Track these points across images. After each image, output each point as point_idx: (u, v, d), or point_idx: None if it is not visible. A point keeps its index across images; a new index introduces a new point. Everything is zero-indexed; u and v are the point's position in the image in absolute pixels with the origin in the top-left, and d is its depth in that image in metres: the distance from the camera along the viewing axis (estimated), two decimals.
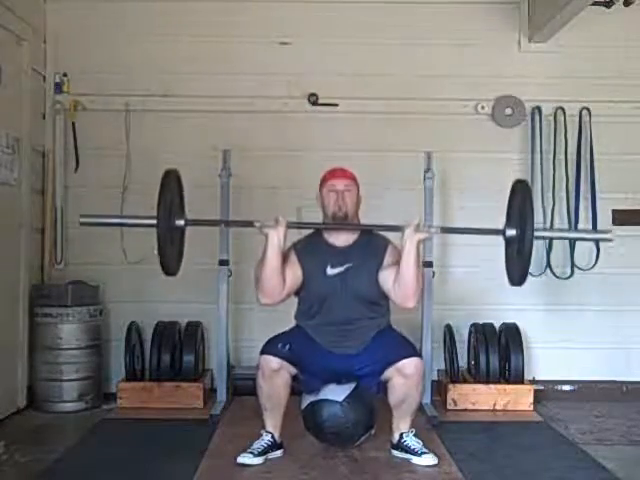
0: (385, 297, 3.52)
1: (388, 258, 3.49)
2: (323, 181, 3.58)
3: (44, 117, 4.89)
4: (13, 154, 4.40)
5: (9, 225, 4.40)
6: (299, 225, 3.77)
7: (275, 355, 3.40)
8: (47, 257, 4.85)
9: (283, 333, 3.57)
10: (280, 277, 3.39)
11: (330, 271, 3.49)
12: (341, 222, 3.52)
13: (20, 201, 4.51)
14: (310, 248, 3.55)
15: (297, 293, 3.57)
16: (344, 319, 3.49)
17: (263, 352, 3.44)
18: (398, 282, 3.37)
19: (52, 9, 4.90)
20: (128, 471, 3.38)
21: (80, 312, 4.54)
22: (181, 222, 3.34)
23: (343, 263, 3.49)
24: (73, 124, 4.88)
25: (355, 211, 3.55)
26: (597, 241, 4.68)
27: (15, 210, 4.47)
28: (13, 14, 4.34)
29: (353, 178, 3.58)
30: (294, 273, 3.48)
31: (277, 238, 3.34)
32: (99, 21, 4.91)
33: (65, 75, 4.88)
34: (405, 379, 3.39)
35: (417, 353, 3.50)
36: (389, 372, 3.42)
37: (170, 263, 3.25)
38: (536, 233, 3.19)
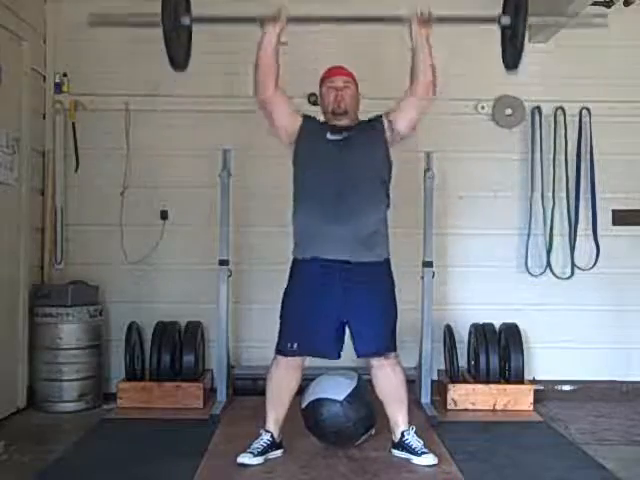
0: (385, 178, 3.52)
1: (388, 114, 3.55)
2: (322, 79, 3.63)
3: (44, 117, 4.89)
4: (13, 154, 4.40)
5: (9, 225, 4.40)
6: (300, 18, 3.70)
7: (287, 355, 3.45)
8: (47, 257, 4.85)
9: (286, 312, 3.52)
10: (273, 70, 3.44)
11: (330, 136, 3.50)
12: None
13: (20, 201, 4.51)
14: (313, 120, 3.59)
15: (295, 160, 3.54)
16: (344, 186, 3.42)
17: (277, 351, 3.49)
18: (418, 77, 3.47)
19: (52, 9, 4.90)
20: (128, 471, 3.37)
21: (80, 312, 4.54)
22: (187, 20, 3.43)
23: (343, 133, 3.51)
24: (73, 124, 4.88)
25: (354, 107, 3.59)
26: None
27: (15, 210, 4.47)
28: (13, 14, 4.34)
29: (351, 75, 3.62)
30: (293, 116, 3.52)
31: (273, 29, 3.41)
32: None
33: (65, 75, 4.89)
34: (382, 372, 3.49)
35: (392, 343, 3.49)
36: (369, 363, 3.52)
37: (178, 57, 3.39)
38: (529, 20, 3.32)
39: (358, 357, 3.52)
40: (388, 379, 3.51)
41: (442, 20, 3.58)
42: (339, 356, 3.48)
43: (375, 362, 3.51)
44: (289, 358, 3.47)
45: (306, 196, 3.50)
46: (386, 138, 3.54)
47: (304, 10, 3.63)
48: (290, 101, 3.57)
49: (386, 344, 3.47)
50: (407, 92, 3.53)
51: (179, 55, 3.43)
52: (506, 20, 3.42)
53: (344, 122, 3.55)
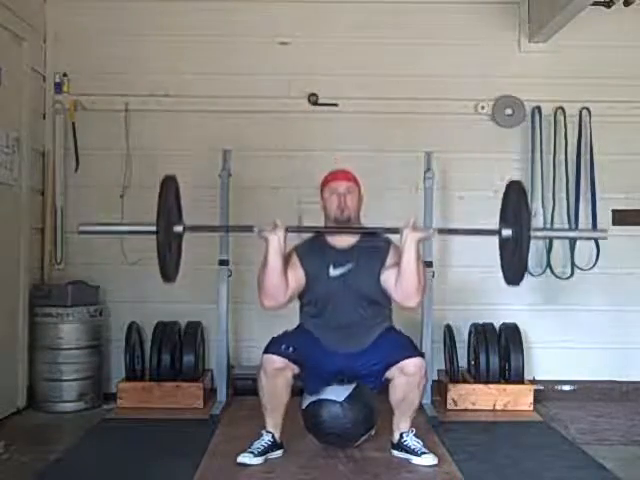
0: (388, 297, 3.52)
1: (390, 258, 3.50)
2: (324, 183, 3.59)
3: (44, 117, 4.89)
4: (13, 154, 4.40)
5: (9, 225, 4.40)
6: (298, 229, 3.76)
7: (278, 355, 3.40)
8: (47, 257, 4.85)
9: (286, 333, 3.58)
10: (282, 280, 3.39)
11: (333, 272, 3.49)
12: (340, 226, 3.53)
13: (20, 201, 4.51)
14: (312, 250, 3.55)
15: (300, 295, 3.57)
16: (347, 320, 3.50)
17: (266, 351, 3.43)
18: (400, 281, 3.38)
19: (52, 9, 4.90)
20: (128, 471, 3.37)
21: (80, 312, 4.54)
22: (179, 229, 3.35)
23: (345, 264, 3.49)
24: (73, 124, 4.88)
25: (357, 213, 3.56)
26: (594, 239, 4.68)
27: (15, 210, 4.47)
28: (13, 14, 4.34)
29: (355, 180, 3.58)
30: (296, 275, 3.48)
31: (277, 241, 3.35)
32: (99, 21, 4.91)
33: (65, 75, 4.88)
34: (407, 378, 3.39)
35: (420, 353, 3.50)
36: (391, 372, 3.43)
37: (169, 270, 3.25)
38: (532, 233, 3.17)
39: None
40: (409, 391, 3.43)
41: (441, 231, 3.59)
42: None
43: (400, 365, 3.42)
44: (275, 361, 3.39)
45: (311, 323, 3.59)
46: (384, 263, 3.51)
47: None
48: (292, 268, 3.48)
49: (400, 354, 3.44)
50: (391, 283, 3.44)
51: (171, 267, 3.29)
52: (507, 232, 3.24)
53: (344, 238, 3.52)
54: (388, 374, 3.44)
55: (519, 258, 3.18)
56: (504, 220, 3.32)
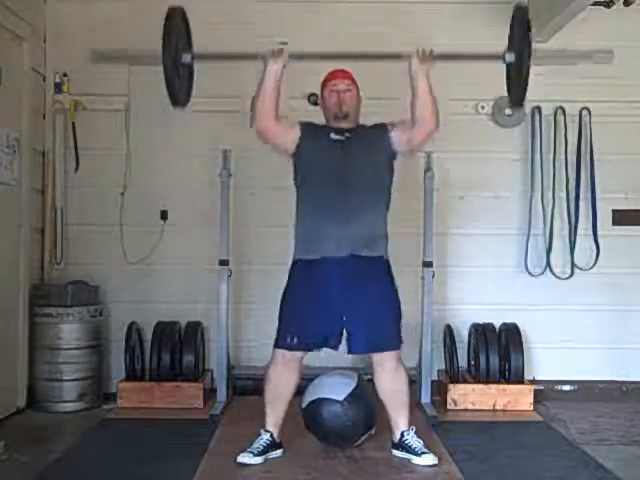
0: (385, 181, 3.53)
1: (392, 126, 3.56)
2: (324, 82, 3.64)
3: (44, 117, 4.89)
4: (13, 154, 4.40)
5: (9, 225, 4.40)
6: (301, 55, 3.72)
7: (286, 348, 3.44)
8: (47, 257, 4.85)
9: (285, 309, 3.51)
10: (275, 101, 3.44)
11: (333, 136, 3.52)
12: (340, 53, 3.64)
13: (20, 201, 4.51)
14: (314, 125, 3.61)
15: (296, 175, 3.55)
16: (344, 184, 3.43)
17: (276, 346, 3.48)
18: (416, 110, 3.45)
19: (52, 9, 4.90)
20: (128, 471, 3.37)
21: (80, 312, 4.54)
22: (188, 58, 3.44)
23: (345, 134, 3.52)
24: (73, 124, 4.88)
25: (356, 111, 3.61)
26: None
27: (15, 210, 4.47)
28: (13, 14, 4.34)
29: (353, 79, 3.64)
30: (291, 130, 3.53)
31: (275, 65, 3.41)
32: (99, 21, 4.90)
33: (65, 75, 4.88)
34: (385, 373, 3.48)
35: (395, 340, 3.49)
36: (372, 361, 3.50)
37: (179, 95, 3.39)
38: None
39: (350, 353, 3.51)
40: (391, 381, 3.51)
41: (444, 57, 3.59)
42: (338, 347, 3.49)
43: (376, 362, 3.50)
44: (287, 355, 3.44)
45: (309, 197, 3.53)
46: (388, 143, 3.54)
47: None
48: (285, 122, 3.57)
49: (384, 342, 3.47)
50: (408, 126, 3.51)
51: (180, 93, 3.41)
52: (510, 57, 3.41)
53: (346, 125, 3.56)
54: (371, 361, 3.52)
55: (520, 82, 3.38)
56: (510, 45, 3.46)
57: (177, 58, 3.35)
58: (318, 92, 4.88)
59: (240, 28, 4.87)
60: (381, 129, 3.58)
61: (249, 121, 3.56)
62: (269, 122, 3.46)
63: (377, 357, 3.49)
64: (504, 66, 3.47)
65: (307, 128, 3.58)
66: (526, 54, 3.31)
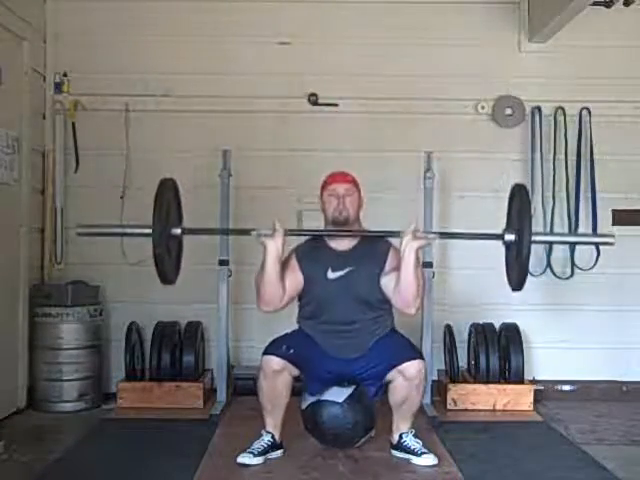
0: (387, 300, 3.51)
1: (390, 262, 3.49)
2: (324, 185, 3.58)
3: (44, 117, 4.89)
4: (13, 154, 4.40)
5: (9, 225, 4.40)
6: (297, 232, 3.75)
7: (278, 356, 3.40)
8: (47, 257, 4.85)
9: (286, 335, 3.57)
10: (279, 285, 3.40)
11: (331, 275, 3.49)
12: (340, 229, 3.52)
13: (20, 201, 4.51)
14: (311, 253, 3.55)
15: (299, 298, 3.57)
16: (346, 322, 3.49)
17: (266, 353, 3.43)
18: (398, 289, 3.38)
19: (52, 9, 4.90)
20: (128, 471, 3.37)
21: (80, 312, 4.54)
22: (178, 231, 3.34)
23: (344, 267, 3.48)
24: (73, 124, 4.88)
25: (356, 215, 3.55)
26: (598, 245, 4.65)
27: (15, 210, 4.47)
28: (13, 14, 4.34)
29: (354, 182, 3.57)
30: (295, 279, 3.48)
31: (275, 247, 3.35)
32: (99, 21, 4.91)
33: (65, 75, 4.88)
34: (407, 381, 3.39)
35: (420, 355, 3.49)
36: (391, 374, 3.42)
37: (167, 272, 3.25)
38: (534, 237, 3.17)
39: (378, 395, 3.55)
40: (408, 392, 3.42)
41: (443, 235, 3.63)
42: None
43: (400, 368, 3.41)
44: (275, 362, 3.39)
45: (309, 324, 3.58)
46: (382, 269, 3.50)
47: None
48: (290, 270, 3.50)
49: (404, 352, 3.45)
50: (390, 287, 3.45)
51: (169, 269, 3.29)
52: (510, 237, 3.25)
53: (344, 241, 3.52)
54: (388, 376, 3.44)
55: (521, 263, 3.18)
56: (508, 224, 3.32)
57: (167, 232, 3.23)
58: (318, 92, 4.94)
59: (240, 29, 4.89)
60: (380, 255, 3.51)
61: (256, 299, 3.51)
62: (277, 305, 3.45)
63: (401, 365, 3.40)
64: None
65: (306, 264, 3.51)
66: (527, 234, 3.12)
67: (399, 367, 3.38)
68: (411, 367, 3.38)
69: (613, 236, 3.50)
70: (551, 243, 4.78)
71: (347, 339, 3.49)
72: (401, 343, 3.54)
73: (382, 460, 3.52)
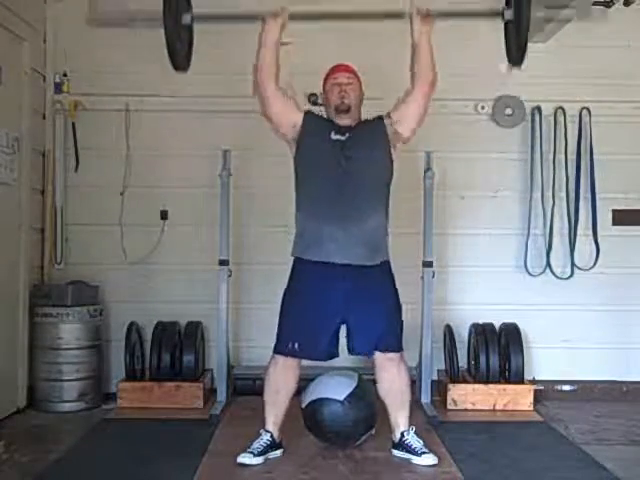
0: (386, 181, 3.52)
1: (389, 116, 3.56)
2: (327, 76, 3.65)
3: (44, 117, 4.89)
4: (13, 154, 4.40)
5: (9, 225, 4.40)
6: (302, 16, 3.69)
7: (286, 355, 3.45)
8: (47, 257, 4.85)
9: (286, 313, 3.51)
10: (274, 60, 3.47)
11: (334, 136, 3.51)
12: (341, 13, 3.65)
13: (20, 201, 4.51)
14: (317, 117, 3.61)
15: (298, 165, 3.53)
16: (344, 185, 3.42)
17: (276, 351, 3.48)
18: (417, 66, 3.52)
19: (52, 9, 4.90)
20: (128, 471, 3.38)
21: (80, 312, 4.54)
22: (188, 18, 3.43)
23: (345, 133, 3.51)
24: (73, 124, 4.88)
25: (357, 104, 3.60)
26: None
27: (15, 210, 4.47)
28: (13, 14, 4.34)
29: (355, 73, 3.65)
30: (290, 107, 3.53)
31: (274, 22, 3.44)
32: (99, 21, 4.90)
33: (65, 75, 4.88)
34: (387, 373, 3.48)
35: (396, 341, 3.49)
36: (374, 361, 3.49)
37: (179, 59, 3.40)
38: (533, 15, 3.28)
39: (351, 354, 3.50)
40: (392, 381, 3.51)
41: (444, 14, 3.58)
42: (332, 357, 3.50)
43: (378, 362, 3.49)
44: (287, 360, 3.46)
45: (308, 197, 3.51)
46: (388, 138, 3.54)
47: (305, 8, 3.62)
48: (290, 99, 3.57)
49: (385, 342, 3.47)
50: (408, 92, 3.54)
51: (181, 55, 3.43)
52: (509, 14, 3.37)
53: (347, 121, 3.55)
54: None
55: (519, 39, 3.31)
56: (507, 2, 3.41)
57: (177, 19, 3.35)
58: (318, 92, 4.92)
59: (240, 29, 4.88)
60: (380, 124, 3.56)
61: (251, 88, 3.55)
62: (270, 90, 3.47)
63: (379, 357, 3.49)
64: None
65: (310, 120, 3.56)
66: (525, 10, 3.25)
67: (379, 358, 3.46)
68: (385, 360, 3.47)
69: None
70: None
71: (347, 209, 3.41)
72: (388, 321, 3.49)
73: (382, 460, 3.52)
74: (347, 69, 3.64)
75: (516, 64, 3.43)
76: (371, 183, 3.49)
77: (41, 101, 4.86)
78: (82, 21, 4.89)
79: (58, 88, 4.89)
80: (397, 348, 3.50)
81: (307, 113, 3.59)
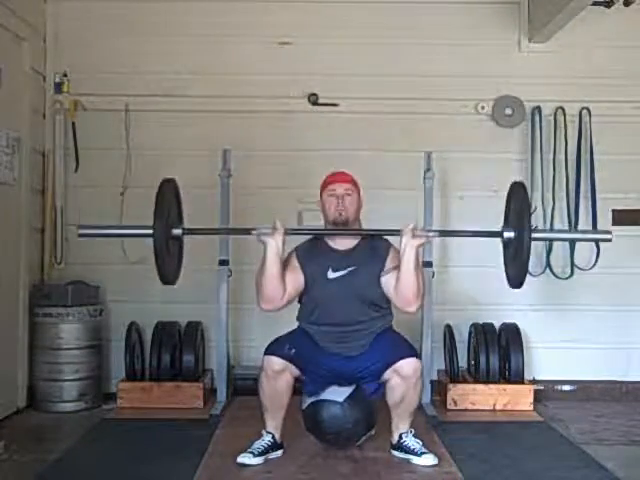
0: (387, 299, 3.52)
1: (390, 261, 3.49)
2: (324, 185, 3.58)
3: (44, 117, 4.89)
4: (13, 154, 4.40)
5: (9, 225, 4.40)
6: (297, 231, 3.74)
7: (279, 356, 3.40)
8: (47, 257, 4.85)
9: (286, 335, 3.57)
10: (280, 284, 3.40)
11: (331, 275, 3.49)
12: (340, 228, 3.52)
13: (20, 201, 4.51)
14: (312, 252, 3.54)
15: (299, 297, 3.57)
16: (346, 321, 3.48)
17: (267, 353, 3.44)
18: (399, 287, 3.38)
19: (52, 9, 4.90)
20: (128, 471, 3.37)
21: (80, 312, 4.54)
22: (178, 231, 3.35)
23: (345, 267, 3.48)
24: (73, 124, 4.88)
25: (356, 215, 3.55)
26: (596, 241, 4.66)
27: (15, 210, 4.47)
28: (13, 14, 4.34)
29: (354, 182, 3.57)
30: (295, 278, 3.48)
31: (275, 246, 3.35)
32: (99, 21, 4.91)
33: (65, 75, 4.88)
34: (403, 380, 3.38)
35: (415, 353, 3.48)
36: (387, 373, 3.42)
37: (168, 272, 3.26)
38: (533, 235, 3.17)
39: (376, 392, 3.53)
40: (403, 391, 3.42)
41: (443, 233, 3.57)
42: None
43: (396, 366, 3.40)
44: (276, 362, 3.39)
45: (309, 324, 3.57)
46: (384, 265, 3.50)
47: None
48: (291, 270, 3.49)
49: (400, 350, 3.44)
50: (396, 283, 3.43)
51: (170, 272, 3.30)
52: (509, 234, 3.26)
53: (344, 241, 3.52)
54: (385, 376, 3.43)
55: (520, 261, 3.18)
56: (507, 221, 3.33)
57: (167, 233, 3.24)
58: (318, 92, 4.94)
59: (240, 29, 4.89)
60: (380, 255, 3.50)
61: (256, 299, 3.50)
62: (277, 303, 3.44)
63: (397, 364, 3.40)
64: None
65: (307, 264, 3.51)
66: (526, 232, 3.12)
67: (395, 366, 3.38)
68: (406, 365, 3.37)
69: (610, 232, 3.48)
70: (549, 240, 4.78)
71: (347, 337, 3.49)
72: (397, 341, 3.53)
73: (382, 460, 3.52)
74: (344, 179, 3.55)
75: (515, 287, 3.32)
76: (371, 312, 3.51)
77: (41, 101, 4.86)
78: (82, 21, 4.91)
79: (58, 88, 4.89)
80: (413, 352, 3.46)
81: (300, 257, 3.51)
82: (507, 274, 3.36)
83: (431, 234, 3.56)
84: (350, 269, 3.48)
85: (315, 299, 3.53)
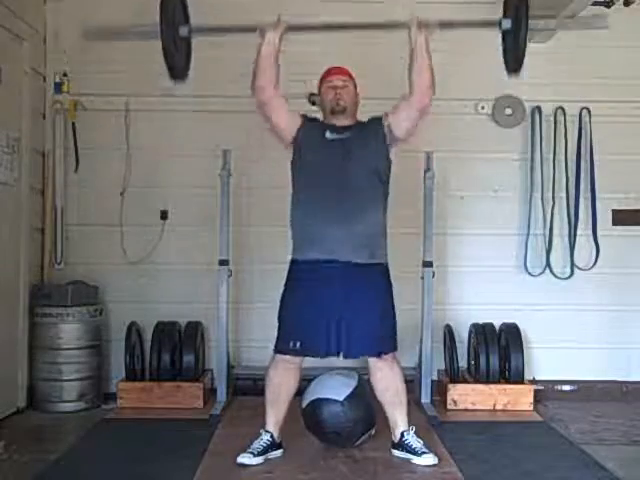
0: (386, 173, 3.53)
1: (386, 115, 3.56)
2: (321, 79, 3.68)
3: (44, 117, 4.89)
4: (13, 154, 4.40)
5: (9, 225, 4.40)
6: (300, 28, 3.76)
7: (288, 353, 3.45)
8: (47, 257, 4.85)
9: (286, 311, 3.51)
10: (272, 76, 3.48)
11: (330, 135, 3.52)
12: (340, 24, 3.69)
13: (20, 201, 4.51)
14: (313, 122, 3.62)
15: (294, 162, 3.55)
16: (344, 184, 3.43)
17: (277, 351, 3.49)
18: (414, 77, 3.48)
19: (52, 9, 4.90)
20: (128, 471, 3.37)
21: (80, 312, 4.54)
22: (185, 31, 3.46)
23: (342, 133, 3.54)
24: (73, 124, 4.88)
25: (353, 106, 3.62)
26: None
27: (15, 210, 4.47)
28: (13, 14, 4.34)
29: (350, 75, 3.67)
30: (292, 115, 3.55)
31: (273, 35, 3.47)
32: (99, 21, 4.90)
33: (65, 75, 4.88)
34: (380, 372, 3.49)
35: (390, 343, 3.49)
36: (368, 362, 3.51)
37: (177, 68, 3.42)
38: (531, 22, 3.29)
39: (346, 358, 3.47)
40: (387, 380, 3.51)
41: (442, 25, 3.58)
42: (339, 354, 3.48)
43: (372, 363, 3.51)
44: (288, 358, 3.46)
45: (305, 196, 3.52)
46: (385, 138, 3.55)
47: (305, 12, 3.66)
48: (287, 104, 3.58)
49: (381, 345, 3.47)
50: (405, 97, 3.53)
51: (178, 66, 3.44)
52: (507, 24, 3.39)
53: (344, 121, 3.57)
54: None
55: (517, 49, 3.33)
56: (505, 14, 3.44)
57: (175, 32, 3.36)
58: (318, 91, 4.92)
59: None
60: (376, 124, 3.57)
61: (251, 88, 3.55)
62: (268, 95, 3.48)
63: (373, 360, 3.50)
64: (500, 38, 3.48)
65: (307, 123, 3.59)
66: (523, 20, 3.26)
67: (370, 362, 3.48)
68: (378, 364, 3.48)
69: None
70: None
71: (344, 207, 3.41)
72: (383, 325, 3.48)
73: (382, 460, 3.52)
74: (341, 72, 3.66)
75: (513, 73, 3.46)
76: (368, 182, 3.49)
77: (41, 101, 4.86)
78: (82, 21, 4.89)
79: (58, 88, 4.89)
80: (391, 348, 3.51)
81: (304, 117, 3.61)
82: (506, 61, 3.49)
83: (432, 25, 3.62)
84: (350, 134, 3.53)
85: (311, 161, 3.52)
